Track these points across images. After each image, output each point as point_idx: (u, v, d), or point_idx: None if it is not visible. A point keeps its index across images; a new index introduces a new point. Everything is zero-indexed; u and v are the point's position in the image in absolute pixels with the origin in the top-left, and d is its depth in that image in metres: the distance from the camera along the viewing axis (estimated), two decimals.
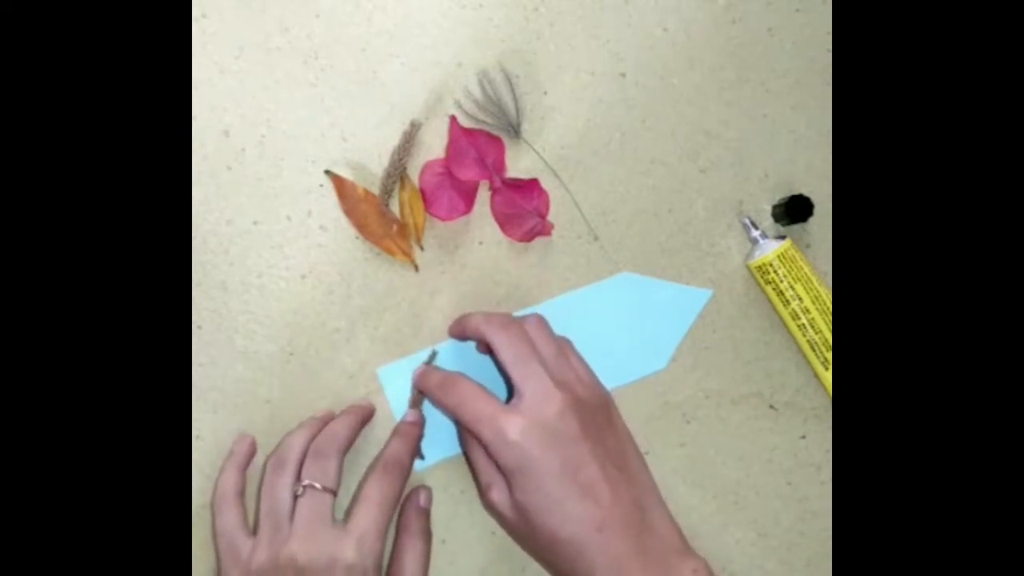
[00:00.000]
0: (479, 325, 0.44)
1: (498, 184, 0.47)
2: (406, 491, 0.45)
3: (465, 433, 0.44)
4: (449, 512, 0.47)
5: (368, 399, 0.47)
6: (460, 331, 0.46)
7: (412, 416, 0.46)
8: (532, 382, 0.41)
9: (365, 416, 0.46)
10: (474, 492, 0.47)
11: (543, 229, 0.48)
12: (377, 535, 0.41)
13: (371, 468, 0.44)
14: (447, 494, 0.47)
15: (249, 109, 0.48)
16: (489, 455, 0.41)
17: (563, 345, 0.45)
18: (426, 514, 0.46)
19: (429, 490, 0.46)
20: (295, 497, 0.42)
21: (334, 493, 0.42)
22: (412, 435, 0.45)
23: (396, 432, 0.45)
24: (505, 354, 0.42)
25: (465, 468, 0.47)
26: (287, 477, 0.42)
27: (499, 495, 0.41)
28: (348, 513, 0.42)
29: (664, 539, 0.41)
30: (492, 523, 0.47)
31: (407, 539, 0.44)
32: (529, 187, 0.47)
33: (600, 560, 0.39)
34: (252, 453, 0.46)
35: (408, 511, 0.45)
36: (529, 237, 0.48)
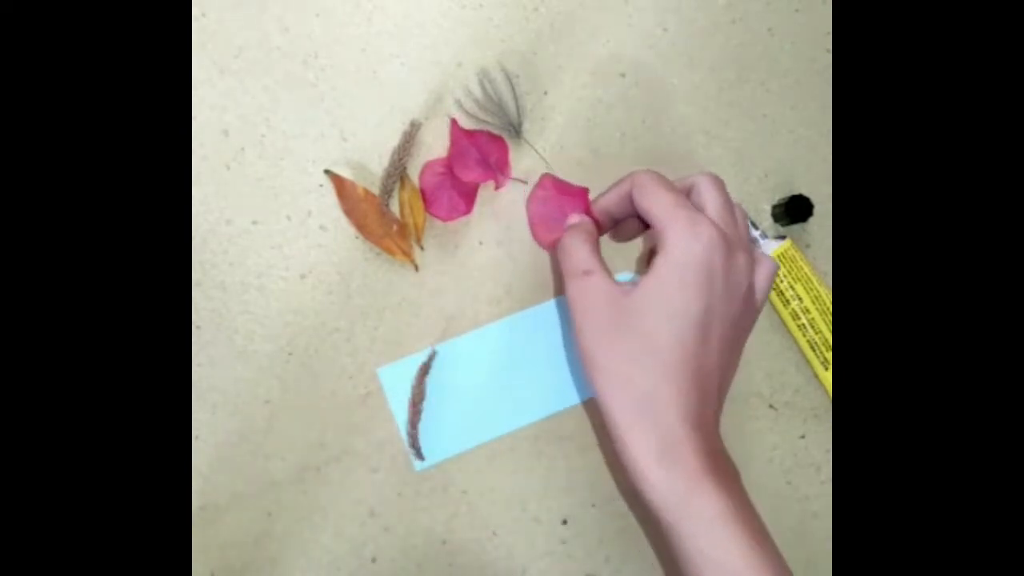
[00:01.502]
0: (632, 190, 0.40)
1: (547, 181, 0.46)
2: None
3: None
4: (449, 512, 0.47)
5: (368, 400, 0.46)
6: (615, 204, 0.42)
7: None
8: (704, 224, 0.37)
9: None
10: (475, 492, 0.47)
11: None
12: None
13: None
14: (447, 494, 0.47)
15: (249, 109, 0.48)
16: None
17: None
18: None
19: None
20: None
21: None
22: None
23: None
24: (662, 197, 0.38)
25: (464, 470, 0.47)
26: None
27: (601, 281, 0.38)
28: None
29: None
30: (493, 523, 0.47)
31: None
32: (578, 196, 0.45)
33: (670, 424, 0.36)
34: None
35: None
36: (555, 245, 0.44)
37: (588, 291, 0.39)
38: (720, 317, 0.38)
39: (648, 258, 0.44)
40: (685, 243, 0.37)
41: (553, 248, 0.45)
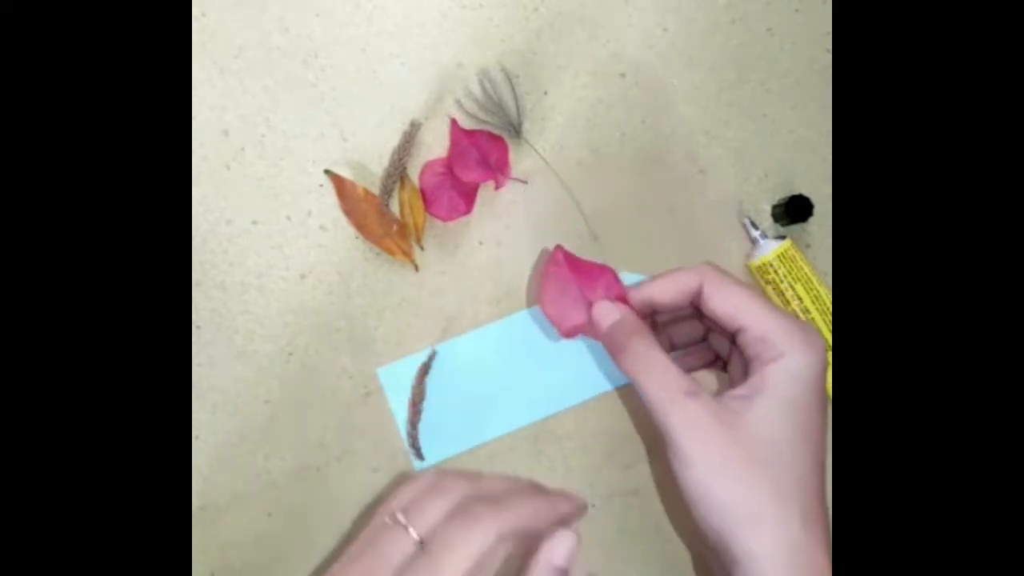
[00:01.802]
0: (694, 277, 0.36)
1: (560, 255, 0.40)
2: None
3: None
4: None
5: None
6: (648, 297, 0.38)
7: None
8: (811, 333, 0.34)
9: (565, 513, 0.34)
10: None
11: (593, 331, 0.39)
12: None
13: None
14: None
15: (249, 109, 0.48)
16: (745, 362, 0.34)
17: None
18: None
19: (572, 538, 0.32)
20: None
21: None
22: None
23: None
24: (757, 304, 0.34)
25: (464, 470, 0.47)
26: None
27: (710, 402, 0.33)
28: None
29: None
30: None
31: None
32: (601, 276, 0.39)
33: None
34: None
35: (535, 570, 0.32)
36: (574, 332, 0.40)
37: (698, 417, 0.32)
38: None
39: (702, 358, 0.41)
40: (803, 355, 0.33)
41: (572, 335, 0.40)
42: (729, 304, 0.35)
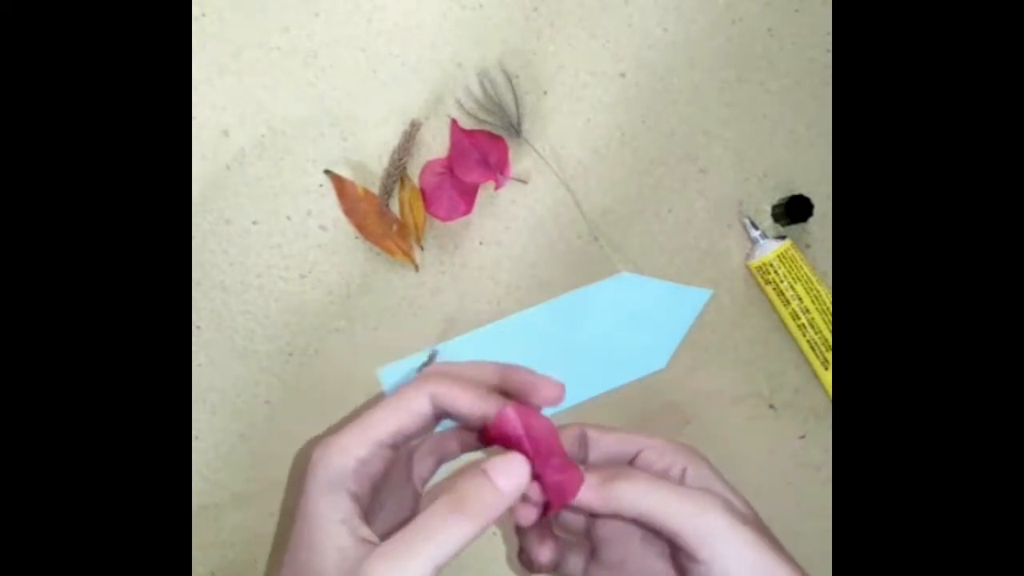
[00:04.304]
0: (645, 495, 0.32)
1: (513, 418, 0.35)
2: None
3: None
4: None
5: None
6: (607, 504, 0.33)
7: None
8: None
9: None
10: None
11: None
12: None
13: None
14: None
15: (249, 109, 0.48)
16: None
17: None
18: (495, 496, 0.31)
19: (523, 467, 0.32)
20: None
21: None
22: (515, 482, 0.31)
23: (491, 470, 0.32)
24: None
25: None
26: None
27: None
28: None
29: None
30: None
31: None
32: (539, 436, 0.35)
33: None
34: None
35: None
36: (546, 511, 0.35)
37: None
38: None
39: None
40: (738, 557, 0.31)
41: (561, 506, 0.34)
42: (650, 505, 0.32)
